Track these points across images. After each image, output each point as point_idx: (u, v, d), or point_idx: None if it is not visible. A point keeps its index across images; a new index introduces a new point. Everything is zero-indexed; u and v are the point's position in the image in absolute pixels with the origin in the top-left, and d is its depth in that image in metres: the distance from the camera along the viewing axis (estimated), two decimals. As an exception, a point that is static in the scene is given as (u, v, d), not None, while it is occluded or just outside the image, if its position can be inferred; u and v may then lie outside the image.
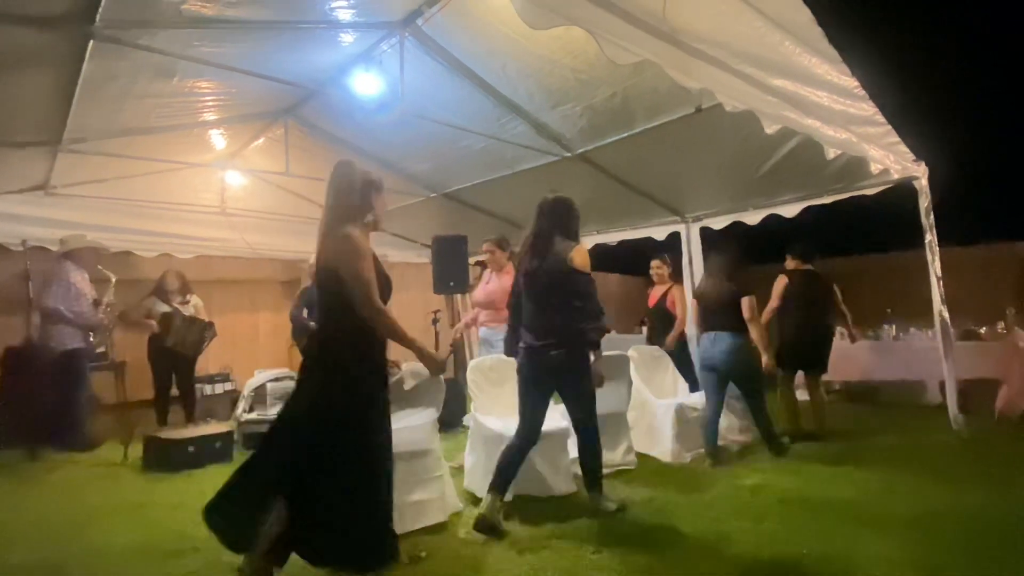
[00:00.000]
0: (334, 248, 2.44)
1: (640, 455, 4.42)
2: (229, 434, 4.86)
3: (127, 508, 3.67)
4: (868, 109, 4.16)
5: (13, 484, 4.23)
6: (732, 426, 4.86)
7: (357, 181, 2.55)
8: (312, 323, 5.86)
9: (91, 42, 3.14)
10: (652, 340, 5.81)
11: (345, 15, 3.52)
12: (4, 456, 4.77)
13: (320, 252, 2.51)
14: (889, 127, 4.42)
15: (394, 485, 2.49)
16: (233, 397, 6.35)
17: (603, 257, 8.85)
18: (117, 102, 4.04)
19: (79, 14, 2.91)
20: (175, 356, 5.61)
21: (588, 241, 7.54)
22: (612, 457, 4.17)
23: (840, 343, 6.95)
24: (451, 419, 5.36)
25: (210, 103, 4.54)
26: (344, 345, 2.42)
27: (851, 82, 3.92)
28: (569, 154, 5.22)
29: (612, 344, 7.24)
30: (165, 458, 4.49)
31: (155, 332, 5.58)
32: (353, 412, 2.39)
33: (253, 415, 5.27)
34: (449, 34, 3.79)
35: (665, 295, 5.75)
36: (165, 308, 5.65)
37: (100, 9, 2.86)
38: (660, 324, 5.72)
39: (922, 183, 4.86)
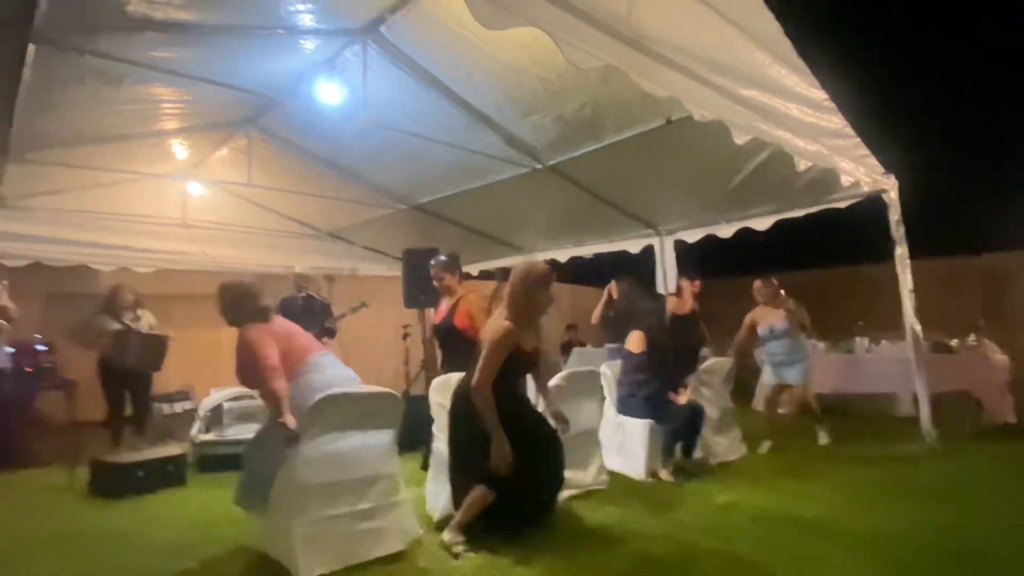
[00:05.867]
0: None
1: (611, 473, 4.30)
2: (182, 456, 4.60)
3: (65, 537, 3.42)
4: (838, 122, 4.16)
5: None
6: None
7: None
8: None
9: (30, 46, 2.98)
10: None
11: (305, 19, 3.39)
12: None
13: None
14: (858, 140, 4.43)
15: (348, 512, 2.35)
16: (194, 416, 6.07)
17: (577, 270, 8.80)
18: (62, 109, 3.86)
19: (16, 18, 2.75)
20: (129, 375, 5.28)
21: (563, 254, 7.47)
22: (583, 477, 4.04)
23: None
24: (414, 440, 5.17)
25: (166, 111, 4.37)
26: None
27: (820, 94, 3.92)
28: (540, 166, 5.13)
29: (584, 359, 7.22)
30: (113, 483, 4.21)
31: (106, 351, 5.28)
32: None
33: (210, 436, 5.02)
34: (413, 41, 3.69)
35: None
36: (116, 325, 5.31)
37: (38, 12, 2.71)
38: None
39: (891, 196, 4.88)
